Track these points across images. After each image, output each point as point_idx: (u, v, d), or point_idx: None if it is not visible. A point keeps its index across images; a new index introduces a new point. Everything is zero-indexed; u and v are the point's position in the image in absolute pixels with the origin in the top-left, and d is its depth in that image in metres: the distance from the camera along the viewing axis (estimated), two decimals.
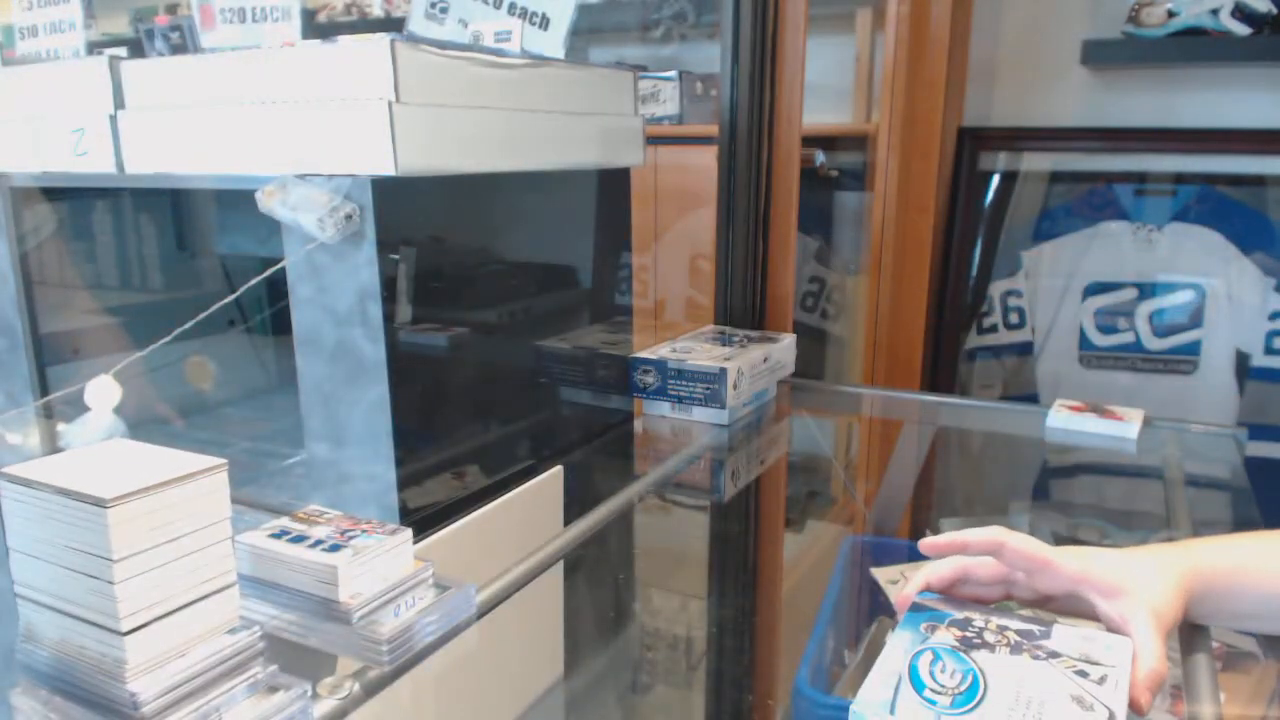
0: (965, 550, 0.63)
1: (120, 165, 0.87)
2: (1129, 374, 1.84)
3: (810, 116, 1.38)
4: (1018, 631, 0.57)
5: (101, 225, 1.16)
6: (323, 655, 0.57)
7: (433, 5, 0.98)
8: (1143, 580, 0.58)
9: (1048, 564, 0.60)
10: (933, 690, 0.52)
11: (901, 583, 1.00)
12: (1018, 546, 0.60)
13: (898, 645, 0.57)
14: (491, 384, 0.93)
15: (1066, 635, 0.57)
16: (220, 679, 0.49)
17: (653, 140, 1.59)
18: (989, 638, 0.57)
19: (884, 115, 1.73)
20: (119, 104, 0.86)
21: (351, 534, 0.60)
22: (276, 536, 0.60)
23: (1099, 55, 1.74)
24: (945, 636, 0.57)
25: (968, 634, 0.57)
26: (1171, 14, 1.67)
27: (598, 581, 0.96)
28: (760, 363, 1.19)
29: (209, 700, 0.49)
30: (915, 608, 0.61)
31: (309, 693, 0.52)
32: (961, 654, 0.55)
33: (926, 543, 0.64)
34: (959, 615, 0.60)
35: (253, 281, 0.83)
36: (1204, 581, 0.60)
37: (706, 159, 1.43)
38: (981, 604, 0.63)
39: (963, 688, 0.52)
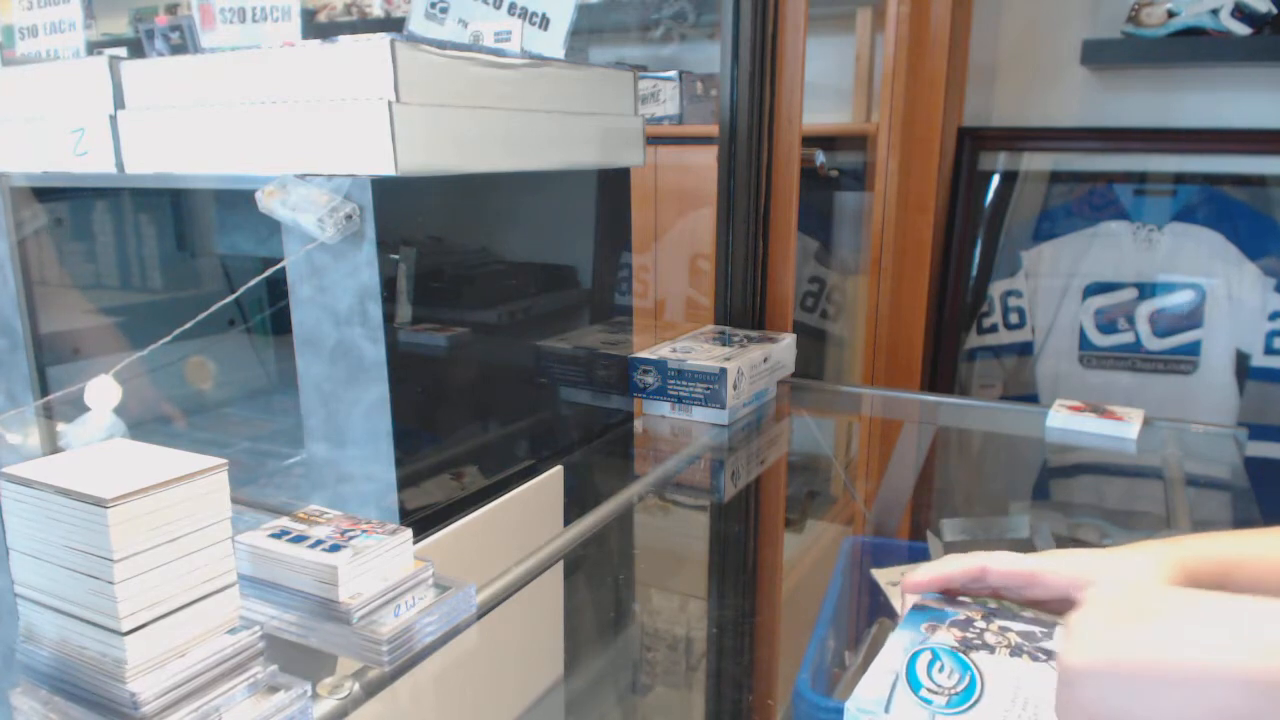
0: (949, 584, 0.62)
1: (120, 165, 0.87)
2: (1129, 374, 1.84)
3: (810, 116, 1.38)
4: (1019, 633, 0.57)
5: (101, 225, 1.16)
6: (323, 655, 0.57)
7: (433, 5, 0.98)
8: (1132, 575, 0.58)
9: (1035, 577, 0.59)
10: (929, 690, 0.52)
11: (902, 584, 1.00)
12: (1002, 569, 0.60)
13: (896, 644, 0.56)
14: (491, 384, 0.93)
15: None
16: (220, 679, 0.49)
17: (653, 140, 1.60)
18: (990, 639, 0.57)
19: (884, 115, 1.73)
20: (119, 104, 0.86)
21: (351, 534, 0.60)
22: (276, 536, 0.60)
23: (1099, 55, 1.74)
24: (945, 637, 0.57)
25: (968, 635, 0.57)
26: (1171, 14, 1.67)
27: (598, 581, 0.96)
28: (760, 363, 1.19)
29: (209, 700, 0.49)
30: (917, 607, 0.61)
31: (309, 693, 0.52)
32: (960, 654, 0.55)
33: (909, 583, 0.63)
34: (961, 616, 0.59)
35: (253, 281, 0.83)
36: (1197, 575, 0.59)
37: (706, 159, 1.43)
38: (982, 602, 0.63)
39: (960, 688, 0.52)
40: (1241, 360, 1.75)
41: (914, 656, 0.55)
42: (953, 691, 0.52)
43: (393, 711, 0.60)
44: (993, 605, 0.62)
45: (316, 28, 2.49)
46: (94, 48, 0.94)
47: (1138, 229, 1.83)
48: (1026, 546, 1.07)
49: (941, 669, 0.54)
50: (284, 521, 0.63)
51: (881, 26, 1.77)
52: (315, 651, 0.58)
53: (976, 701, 0.51)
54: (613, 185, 1.11)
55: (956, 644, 0.56)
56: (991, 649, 0.55)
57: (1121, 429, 1.09)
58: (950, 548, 1.09)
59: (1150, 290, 1.82)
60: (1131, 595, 0.45)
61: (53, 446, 0.97)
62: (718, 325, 1.37)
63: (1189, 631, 0.40)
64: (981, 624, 0.58)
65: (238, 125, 0.80)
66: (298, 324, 0.81)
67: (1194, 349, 1.79)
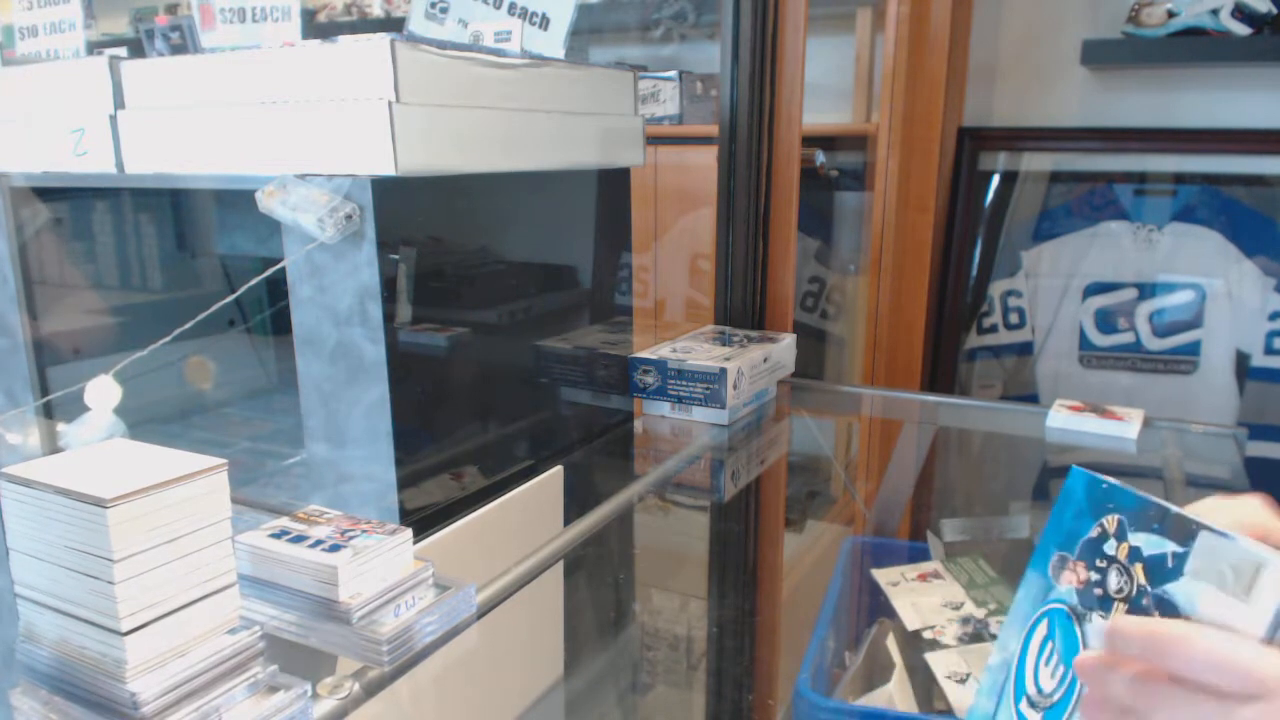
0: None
1: (120, 165, 0.87)
2: (1129, 374, 1.84)
3: (810, 116, 1.38)
4: (1146, 565, 0.43)
5: (101, 225, 1.16)
6: (323, 655, 0.57)
7: (433, 5, 0.98)
8: None
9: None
10: (1031, 700, 0.45)
11: (901, 584, 1.00)
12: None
13: (1024, 601, 0.46)
14: (491, 384, 0.93)
15: (1209, 554, 0.41)
16: (220, 679, 0.49)
17: (653, 140, 1.59)
18: (1112, 583, 0.44)
19: (884, 115, 1.73)
20: (119, 104, 0.86)
21: (351, 534, 0.60)
22: (276, 536, 0.60)
23: (1099, 55, 1.74)
24: (1069, 581, 0.46)
25: (1092, 575, 0.45)
26: (1171, 14, 1.67)
27: (598, 581, 0.96)
28: (760, 363, 1.19)
29: (209, 700, 0.49)
30: (1062, 503, 0.48)
31: (309, 693, 0.52)
32: (1074, 624, 0.44)
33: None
34: (1095, 530, 0.46)
35: (253, 281, 0.83)
36: None
37: (706, 159, 1.43)
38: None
39: (1056, 697, 0.45)
40: (1241, 360, 1.75)
41: (1030, 632, 0.45)
42: (1049, 704, 0.44)
43: (393, 711, 0.60)
44: (1137, 499, 0.46)
45: (316, 28, 2.48)
46: (94, 48, 0.94)
47: (1138, 229, 1.83)
48: (1026, 546, 1.07)
49: (1049, 661, 0.45)
50: (284, 521, 0.63)
51: (881, 26, 1.77)
52: (315, 651, 0.58)
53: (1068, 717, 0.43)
54: (613, 185, 1.11)
55: (1077, 600, 0.45)
56: (1109, 604, 0.44)
57: (1121, 429, 1.09)
58: (950, 548, 1.09)
59: (1150, 290, 1.82)
60: None
61: (53, 446, 0.97)
62: (718, 325, 1.37)
63: None
64: (1111, 547, 0.45)
65: (238, 125, 0.79)
66: (298, 324, 0.81)
67: (1194, 349, 1.79)
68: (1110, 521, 0.46)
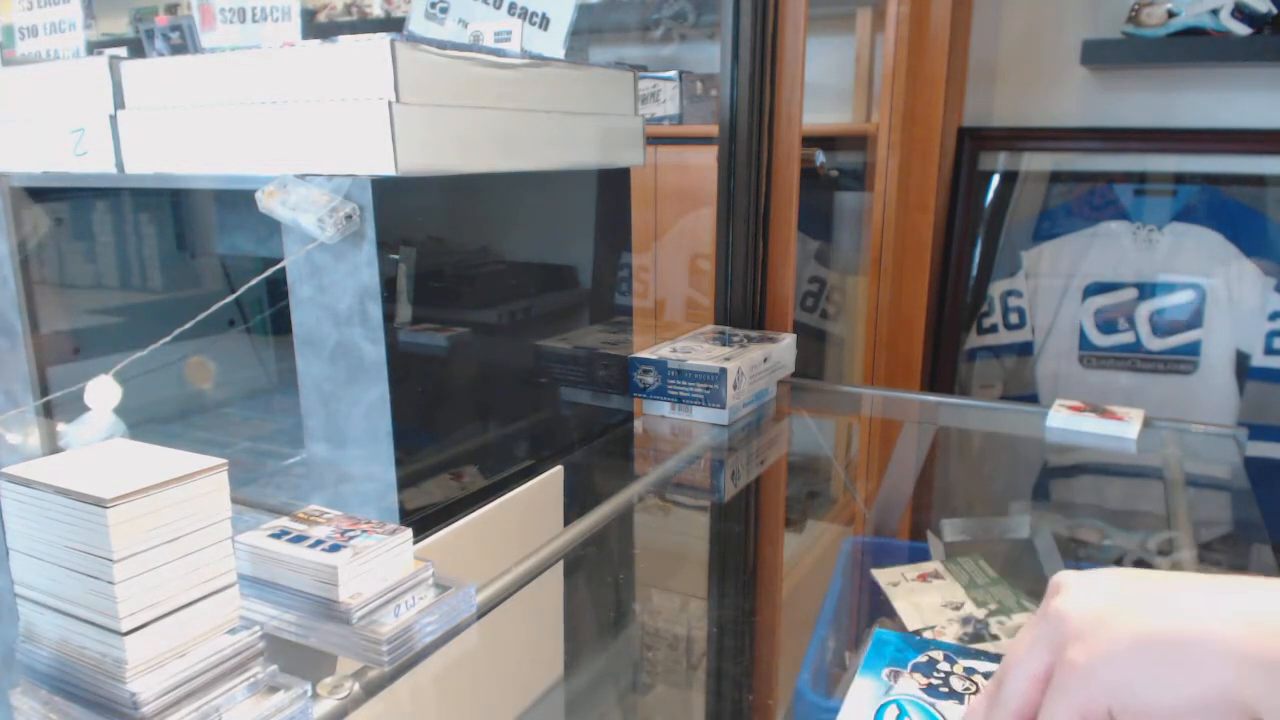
0: None
1: (120, 165, 0.87)
2: (1129, 374, 1.84)
3: (810, 116, 1.38)
4: (986, 675, 0.53)
5: (101, 225, 1.16)
6: (323, 655, 0.57)
7: (433, 5, 0.98)
8: None
9: None
10: None
11: (901, 584, 1.00)
12: None
13: (861, 697, 0.53)
14: (491, 384, 0.93)
15: None
16: (220, 679, 0.49)
17: (653, 140, 1.60)
18: (955, 684, 0.52)
19: (884, 115, 1.73)
20: (119, 104, 0.86)
21: (351, 534, 0.60)
22: (276, 536, 0.60)
23: (1099, 55, 1.74)
24: (910, 684, 0.53)
25: (933, 680, 0.53)
26: (1171, 14, 1.67)
27: (598, 581, 0.96)
28: (760, 363, 1.19)
29: (209, 700, 0.49)
30: (877, 647, 0.57)
31: (309, 693, 0.52)
32: (928, 707, 0.51)
33: None
34: (922, 658, 0.56)
35: (253, 281, 0.83)
36: None
37: (706, 159, 1.43)
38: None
39: None
40: (1241, 360, 1.75)
41: (881, 710, 0.51)
42: None
43: (393, 711, 0.60)
44: (954, 644, 0.58)
45: (316, 28, 2.49)
46: (94, 48, 0.94)
47: (1138, 229, 1.83)
48: (1026, 546, 1.07)
49: None
50: (284, 521, 0.63)
51: (881, 26, 1.77)
52: (315, 651, 0.58)
53: None
54: (613, 185, 1.11)
55: (922, 691, 0.52)
56: (959, 696, 0.51)
57: (1121, 429, 1.09)
58: (950, 548, 1.09)
59: (1150, 290, 1.82)
60: (1132, 573, 0.39)
61: (53, 446, 0.97)
62: (718, 325, 1.37)
63: (1188, 603, 0.36)
64: (945, 667, 0.55)
65: (238, 125, 0.79)
66: (298, 324, 0.81)
67: (1194, 349, 1.79)
68: (937, 654, 0.54)
